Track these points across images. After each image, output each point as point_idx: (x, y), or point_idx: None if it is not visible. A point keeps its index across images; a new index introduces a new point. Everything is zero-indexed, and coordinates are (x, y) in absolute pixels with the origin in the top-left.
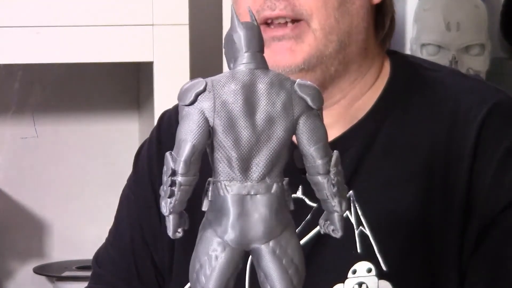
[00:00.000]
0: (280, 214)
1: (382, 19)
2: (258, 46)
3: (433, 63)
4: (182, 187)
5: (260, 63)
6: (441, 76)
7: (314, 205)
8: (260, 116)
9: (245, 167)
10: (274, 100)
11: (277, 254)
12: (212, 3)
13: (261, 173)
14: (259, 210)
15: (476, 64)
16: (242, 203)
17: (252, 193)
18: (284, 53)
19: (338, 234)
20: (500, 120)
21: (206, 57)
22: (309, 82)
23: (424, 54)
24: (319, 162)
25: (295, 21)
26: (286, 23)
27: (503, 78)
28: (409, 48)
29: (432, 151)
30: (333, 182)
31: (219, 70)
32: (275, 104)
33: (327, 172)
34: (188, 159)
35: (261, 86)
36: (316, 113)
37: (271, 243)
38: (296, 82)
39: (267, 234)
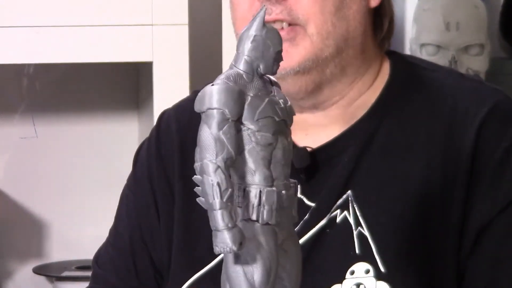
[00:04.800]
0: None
1: (381, 21)
2: (245, 50)
3: (432, 63)
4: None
5: (239, 65)
6: (439, 76)
7: (312, 204)
8: None
9: None
10: None
11: (240, 261)
12: (211, 3)
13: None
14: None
15: (476, 64)
16: None
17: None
18: None
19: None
20: (499, 121)
21: (205, 57)
22: (218, 82)
23: (424, 54)
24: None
25: (291, 25)
26: (282, 28)
27: (503, 78)
28: (409, 48)
29: (431, 151)
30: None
31: (219, 71)
32: None
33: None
34: None
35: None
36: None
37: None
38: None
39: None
